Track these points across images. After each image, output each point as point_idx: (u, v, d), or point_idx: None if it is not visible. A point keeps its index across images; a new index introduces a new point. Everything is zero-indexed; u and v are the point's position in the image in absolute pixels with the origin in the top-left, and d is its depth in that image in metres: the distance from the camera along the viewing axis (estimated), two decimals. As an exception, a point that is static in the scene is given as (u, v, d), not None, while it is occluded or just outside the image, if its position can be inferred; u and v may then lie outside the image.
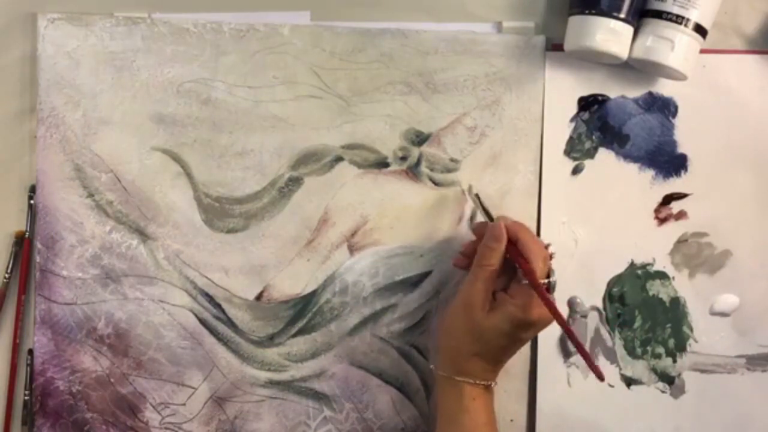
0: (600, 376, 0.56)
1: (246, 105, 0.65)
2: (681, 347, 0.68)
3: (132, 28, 0.64)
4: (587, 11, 0.62)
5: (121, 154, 0.65)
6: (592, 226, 0.67)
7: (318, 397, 0.67)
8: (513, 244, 0.60)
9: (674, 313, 0.68)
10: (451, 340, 0.61)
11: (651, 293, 0.68)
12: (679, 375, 0.68)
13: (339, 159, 0.66)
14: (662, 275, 0.68)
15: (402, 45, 0.65)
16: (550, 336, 0.67)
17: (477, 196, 0.64)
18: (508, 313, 0.58)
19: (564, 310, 0.68)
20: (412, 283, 0.67)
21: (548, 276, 0.59)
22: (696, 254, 0.68)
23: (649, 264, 0.68)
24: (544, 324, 0.60)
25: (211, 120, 0.65)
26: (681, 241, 0.68)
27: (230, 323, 0.66)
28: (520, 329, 0.59)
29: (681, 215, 0.68)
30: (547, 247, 0.61)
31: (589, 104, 0.67)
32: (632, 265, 0.68)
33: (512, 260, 0.60)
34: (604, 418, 0.68)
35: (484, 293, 0.59)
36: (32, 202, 0.64)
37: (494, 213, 0.64)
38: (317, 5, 0.65)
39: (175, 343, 0.66)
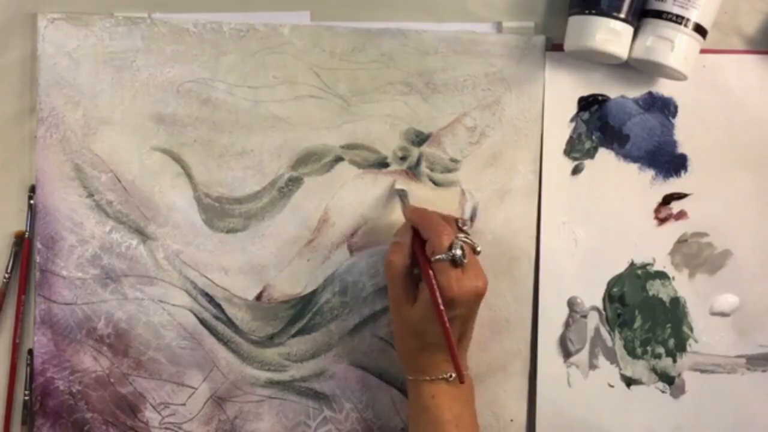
0: (461, 380, 0.56)
1: (246, 105, 0.65)
2: (681, 347, 0.68)
3: (132, 28, 0.64)
4: (587, 11, 0.62)
5: (121, 154, 0.65)
6: (592, 226, 0.67)
7: (318, 397, 0.67)
8: (418, 231, 0.60)
9: (674, 313, 0.68)
10: (398, 341, 0.62)
11: (651, 293, 0.68)
12: (679, 375, 0.68)
13: (339, 159, 0.66)
14: (662, 275, 0.68)
15: (402, 45, 0.65)
16: (550, 336, 0.67)
17: (400, 190, 0.64)
18: (426, 299, 0.57)
19: (564, 310, 0.68)
20: (412, 283, 0.67)
21: (450, 248, 0.56)
22: (696, 254, 0.68)
23: (649, 264, 0.68)
24: (472, 296, 0.57)
25: (211, 120, 0.65)
26: (681, 241, 0.68)
27: (230, 323, 0.66)
28: (446, 310, 0.57)
29: (681, 215, 0.68)
30: (458, 220, 0.60)
31: (589, 104, 0.67)
32: (632, 265, 0.68)
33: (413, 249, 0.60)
34: (604, 418, 0.68)
35: (402, 288, 0.59)
36: (32, 202, 0.64)
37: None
38: (317, 5, 0.65)
39: (175, 343, 0.66)
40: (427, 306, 0.57)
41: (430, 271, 0.57)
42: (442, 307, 0.56)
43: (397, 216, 0.66)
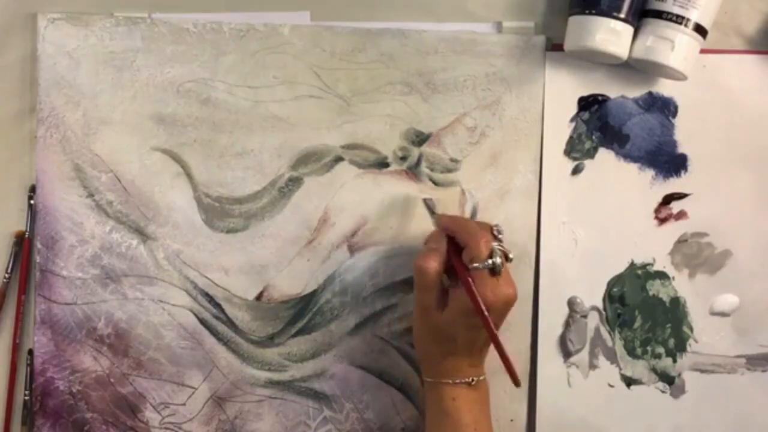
0: (516, 383, 0.57)
1: (246, 105, 0.65)
2: (681, 347, 0.68)
3: (132, 28, 0.64)
4: (587, 11, 0.62)
5: (121, 154, 0.65)
6: (592, 226, 0.67)
7: (318, 397, 0.67)
8: (452, 239, 0.60)
9: (674, 313, 0.68)
10: (421, 346, 0.62)
11: (651, 293, 0.68)
12: (679, 375, 0.68)
13: (339, 159, 0.66)
14: (662, 275, 0.68)
15: (402, 45, 0.65)
16: (550, 336, 0.67)
17: (429, 200, 0.65)
18: (459, 306, 0.58)
19: (564, 310, 0.68)
20: (412, 283, 0.67)
21: (491, 256, 0.57)
22: (696, 254, 0.68)
23: (649, 264, 0.68)
24: (505, 304, 0.58)
25: (211, 120, 0.65)
26: (681, 241, 0.68)
27: (230, 323, 0.66)
28: (476, 317, 0.57)
29: (681, 215, 0.68)
30: (493, 228, 0.60)
31: (589, 104, 0.67)
32: (632, 265, 0.68)
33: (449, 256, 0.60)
34: (604, 418, 0.68)
35: (434, 294, 0.59)
36: (32, 202, 0.64)
37: (485, 215, 0.65)
38: (317, 5, 0.65)
39: (175, 343, 0.66)
40: (459, 312, 0.58)
41: (470, 279, 0.57)
42: (486, 314, 0.56)
43: (399, 218, 0.66)
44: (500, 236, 0.60)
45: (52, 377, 0.65)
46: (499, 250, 0.58)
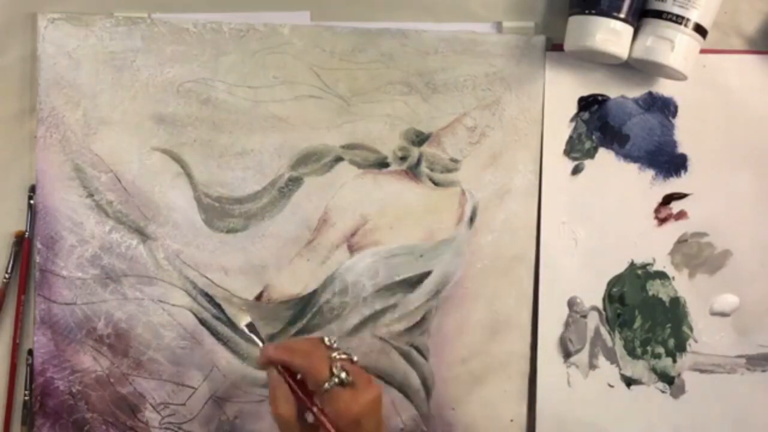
0: None
1: (246, 105, 0.65)
2: (681, 347, 0.68)
3: (132, 28, 0.64)
4: (587, 11, 0.62)
5: (121, 154, 0.65)
6: (592, 226, 0.67)
7: (318, 397, 0.67)
8: (287, 369, 0.55)
9: (674, 313, 0.68)
10: None
11: (651, 293, 0.68)
12: (679, 375, 0.68)
13: (339, 159, 0.66)
14: (662, 275, 0.68)
15: (402, 45, 0.65)
16: (550, 336, 0.67)
17: (248, 326, 0.60)
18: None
19: (564, 310, 0.67)
20: (412, 283, 0.67)
21: (332, 373, 0.53)
22: (696, 254, 0.68)
23: (649, 264, 0.68)
24: (372, 407, 0.54)
25: (211, 120, 0.65)
26: (681, 241, 0.68)
27: (230, 323, 0.66)
28: (355, 429, 0.53)
29: (681, 215, 0.68)
30: (324, 339, 0.55)
31: (589, 104, 0.67)
32: (632, 265, 0.68)
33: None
34: (604, 418, 0.68)
35: (294, 427, 0.54)
36: (32, 202, 0.64)
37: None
38: (317, 5, 0.65)
39: (175, 343, 0.66)
40: None
41: (315, 408, 0.53)
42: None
43: (398, 218, 0.66)
44: (335, 345, 0.55)
45: (52, 377, 0.65)
46: (338, 360, 0.54)
